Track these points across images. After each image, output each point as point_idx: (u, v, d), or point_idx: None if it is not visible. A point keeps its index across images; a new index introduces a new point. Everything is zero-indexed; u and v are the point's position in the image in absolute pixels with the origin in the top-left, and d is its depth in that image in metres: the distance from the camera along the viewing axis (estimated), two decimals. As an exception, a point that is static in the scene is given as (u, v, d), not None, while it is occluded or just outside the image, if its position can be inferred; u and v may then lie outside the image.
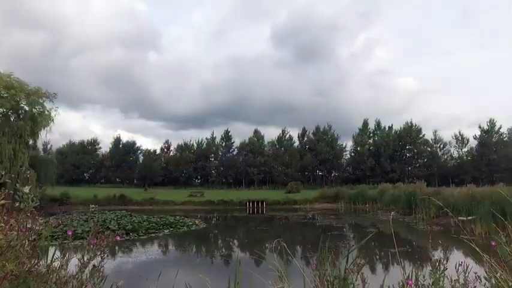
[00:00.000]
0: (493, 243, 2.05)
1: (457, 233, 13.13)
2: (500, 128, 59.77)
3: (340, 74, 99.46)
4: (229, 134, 72.29)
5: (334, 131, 69.19)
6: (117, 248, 12.86)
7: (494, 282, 1.77)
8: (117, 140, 72.62)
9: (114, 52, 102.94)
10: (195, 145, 72.73)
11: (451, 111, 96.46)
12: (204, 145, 72.02)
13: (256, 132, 70.97)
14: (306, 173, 67.63)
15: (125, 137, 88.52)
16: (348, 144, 69.66)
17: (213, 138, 72.74)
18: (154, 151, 73.67)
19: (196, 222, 20.76)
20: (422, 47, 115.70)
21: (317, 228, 19.93)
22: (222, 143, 72.21)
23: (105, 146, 76.04)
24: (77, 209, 29.79)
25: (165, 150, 75.38)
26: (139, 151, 73.79)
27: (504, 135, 59.57)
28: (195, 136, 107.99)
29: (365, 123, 67.96)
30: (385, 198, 28.89)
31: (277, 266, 2.19)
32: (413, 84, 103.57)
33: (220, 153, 71.95)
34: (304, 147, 69.23)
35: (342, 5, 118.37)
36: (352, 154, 67.43)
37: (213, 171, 71.03)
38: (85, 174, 71.82)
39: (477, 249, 1.84)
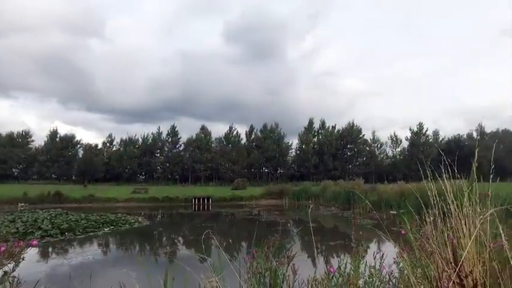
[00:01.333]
0: (403, 232, 2.35)
1: (388, 225, 14.27)
2: (427, 130, 66.58)
3: (289, 74, 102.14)
4: (176, 129, 70.78)
5: (281, 129, 71.01)
6: (50, 249, 12.05)
7: (401, 265, 2.06)
8: (54, 133, 67.26)
9: (53, 36, 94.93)
10: (140, 140, 70.13)
11: (388, 113, 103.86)
12: (150, 140, 69.70)
13: (203, 128, 70.28)
14: (253, 170, 68.51)
15: (63, 130, 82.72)
16: (294, 142, 72.00)
17: (159, 133, 70.67)
18: (96, 145, 69.69)
19: (140, 219, 20.12)
20: (366, 51, 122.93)
21: (262, 224, 20.36)
22: (169, 138, 70.46)
23: (39, 139, 70.42)
24: (1, 208, 27.19)
25: (108, 144, 71.64)
26: (79, 145, 69.14)
27: (430, 137, 66.30)
28: (140, 131, 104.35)
29: (310, 122, 70.60)
30: (327, 195, 30.29)
31: (221, 261, 2.28)
32: (356, 86, 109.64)
33: (166, 149, 70.15)
34: (251, 145, 70.08)
35: (292, 6, 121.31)
36: (298, 152, 69.72)
37: (158, 167, 69.10)
38: (13, 170, 65.44)
39: (383, 236, 2.11)
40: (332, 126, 70.58)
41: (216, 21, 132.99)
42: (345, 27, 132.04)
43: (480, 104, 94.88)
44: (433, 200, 1.97)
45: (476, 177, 2.20)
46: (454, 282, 1.51)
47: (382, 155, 68.95)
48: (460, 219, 1.79)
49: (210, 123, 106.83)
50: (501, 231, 2.02)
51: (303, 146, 67.81)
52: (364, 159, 67.48)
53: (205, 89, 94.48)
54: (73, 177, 64.34)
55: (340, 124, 71.45)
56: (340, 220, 20.68)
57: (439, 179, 2.19)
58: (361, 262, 2.25)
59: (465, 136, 65.59)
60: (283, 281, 2.05)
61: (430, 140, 65.86)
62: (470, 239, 1.71)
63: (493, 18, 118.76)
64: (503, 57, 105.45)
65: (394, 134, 69.53)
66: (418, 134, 65.98)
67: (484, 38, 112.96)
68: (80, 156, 66.51)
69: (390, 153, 69.66)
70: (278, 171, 70.55)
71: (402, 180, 27.61)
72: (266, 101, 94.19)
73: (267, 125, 70.75)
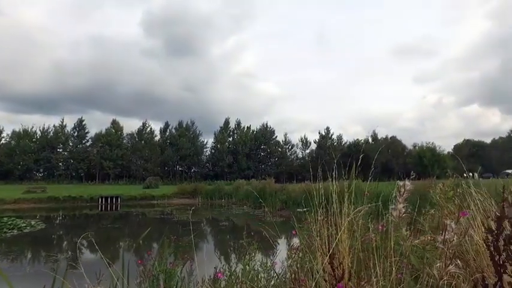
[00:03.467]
0: (294, 232, 2.71)
1: (294, 222, 15.38)
2: (332, 134, 72.89)
3: (209, 72, 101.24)
4: (84, 122, 64.93)
5: (196, 127, 70.48)
6: None
7: (289, 262, 2.38)
8: None
9: None
10: (39, 133, 62.43)
11: (300, 117, 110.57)
12: (51, 133, 62.53)
13: (114, 122, 65.88)
14: (166, 168, 66.69)
15: None
16: (210, 141, 72.02)
17: (62, 126, 63.84)
18: (-22, 137, 59.92)
19: (33, 223, 18.06)
20: (282, 57, 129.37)
21: (174, 223, 20.08)
22: (74, 132, 64.21)
23: None
24: None
25: (-6, 136, 62.19)
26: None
27: (335, 141, 72.85)
28: (40, 122, 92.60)
29: (226, 122, 71.55)
30: (240, 194, 31.11)
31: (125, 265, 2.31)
32: (272, 89, 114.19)
33: (71, 144, 63.78)
34: (166, 142, 68.10)
35: (217, 4, 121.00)
36: (213, 151, 70.00)
37: (60, 164, 62.39)
38: None
39: (271, 233, 2.42)
40: (247, 127, 72.60)
41: (135, 10, 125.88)
42: (265, 32, 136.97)
43: (377, 113, 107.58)
44: (318, 199, 2.31)
45: (355, 177, 2.64)
46: (327, 272, 1.63)
47: (292, 156, 73.33)
48: (339, 215, 2.15)
49: (123, 118, 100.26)
50: (370, 226, 2.49)
51: (218, 146, 68.32)
52: (276, 159, 70.95)
53: (119, 81, 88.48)
54: None
55: (255, 125, 74.02)
56: (251, 218, 21.48)
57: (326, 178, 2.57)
58: (252, 260, 2.48)
59: (362, 141, 73.62)
60: (178, 282, 2.10)
61: (335, 144, 72.28)
62: (344, 233, 2.07)
63: (388, 39, 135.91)
64: (396, 74, 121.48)
65: (305, 136, 74.69)
66: (325, 138, 71.90)
67: (382, 55, 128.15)
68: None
69: (300, 155, 74.55)
70: (192, 170, 69.85)
71: (309, 181, 29.80)
72: (183, 97, 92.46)
73: (182, 122, 69.63)
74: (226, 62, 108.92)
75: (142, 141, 66.37)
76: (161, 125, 72.57)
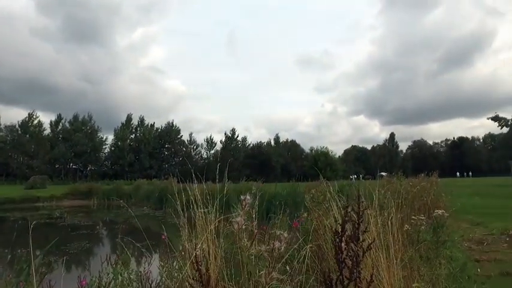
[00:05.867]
0: (163, 237, 2.93)
1: (164, 230, 15.65)
2: (238, 136, 74.92)
3: (113, 63, 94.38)
4: None
5: (95, 122, 65.09)
6: None
7: (161, 270, 2.52)
8: None
9: None
10: None
11: (207, 117, 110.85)
12: None
13: (-11, 112, 56.56)
14: (57, 166, 60.08)
15: None
16: (110, 137, 67.21)
17: None
18: None
19: None
20: (193, 56, 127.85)
21: (64, 228, 18.47)
22: None
23: None
24: None
25: None
26: None
27: (239, 142, 75.22)
28: None
29: (128, 118, 67.80)
30: (140, 194, 30.00)
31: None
32: (180, 87, 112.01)
33: None
34: (57, 137, 61.25)
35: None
36: (112, 148, 65.57)
37: None
38: None
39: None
40: (151, 125, 69.94)
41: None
42: (175, 28, 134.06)
43: (280, 117, 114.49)
44: (181, 203, 2.50)
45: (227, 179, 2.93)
46: (195, 280, 1.67)
47: (197, 156, 73.16)
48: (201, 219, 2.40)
49: (2, 106, 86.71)
50: (252, 229, 2.69)
51: (119, 143, 64.27)
52: (181, 159, 69.96)
53: (1, 60, 75.57)
54: None
55: (160, 123, 71.68)
56: (152, 220, 20.99)
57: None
58: (126, 268, 2.60)
59: (265, 144, 77.39)
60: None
61: (240, 145, 74.47)
62: (210, 238, 2.13)
63: (294, 50, 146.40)
64: (299, 82, 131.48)
65: (211, 137, 75.21)
66: (231, 139, 73.49)
67: (286, 64, 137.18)
68: None
69: (205, 155, 74.79)
70: (88, 168, 64.31)
71: (210, 181, 30.39)
72: (81, 88, 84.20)
73: (78, 115, 63.46)
74: (132, 54, 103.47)
75: (27, 135, 58.32)
76: (53, 117, 64.79)
